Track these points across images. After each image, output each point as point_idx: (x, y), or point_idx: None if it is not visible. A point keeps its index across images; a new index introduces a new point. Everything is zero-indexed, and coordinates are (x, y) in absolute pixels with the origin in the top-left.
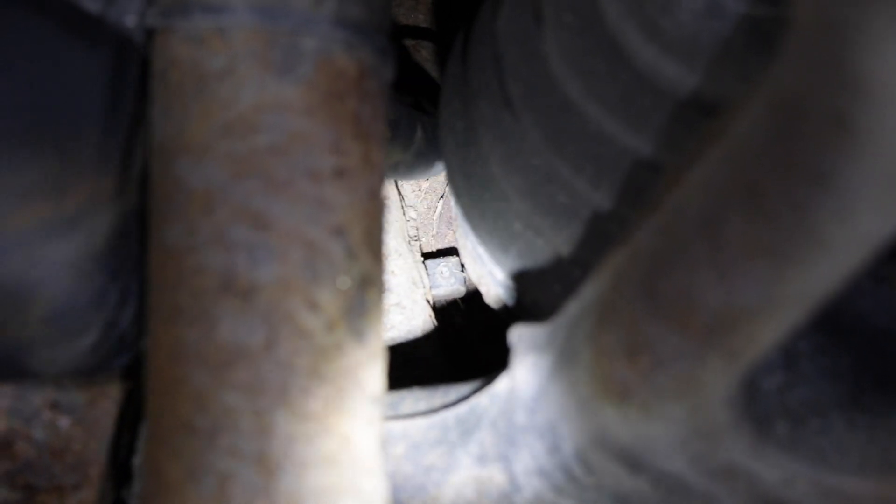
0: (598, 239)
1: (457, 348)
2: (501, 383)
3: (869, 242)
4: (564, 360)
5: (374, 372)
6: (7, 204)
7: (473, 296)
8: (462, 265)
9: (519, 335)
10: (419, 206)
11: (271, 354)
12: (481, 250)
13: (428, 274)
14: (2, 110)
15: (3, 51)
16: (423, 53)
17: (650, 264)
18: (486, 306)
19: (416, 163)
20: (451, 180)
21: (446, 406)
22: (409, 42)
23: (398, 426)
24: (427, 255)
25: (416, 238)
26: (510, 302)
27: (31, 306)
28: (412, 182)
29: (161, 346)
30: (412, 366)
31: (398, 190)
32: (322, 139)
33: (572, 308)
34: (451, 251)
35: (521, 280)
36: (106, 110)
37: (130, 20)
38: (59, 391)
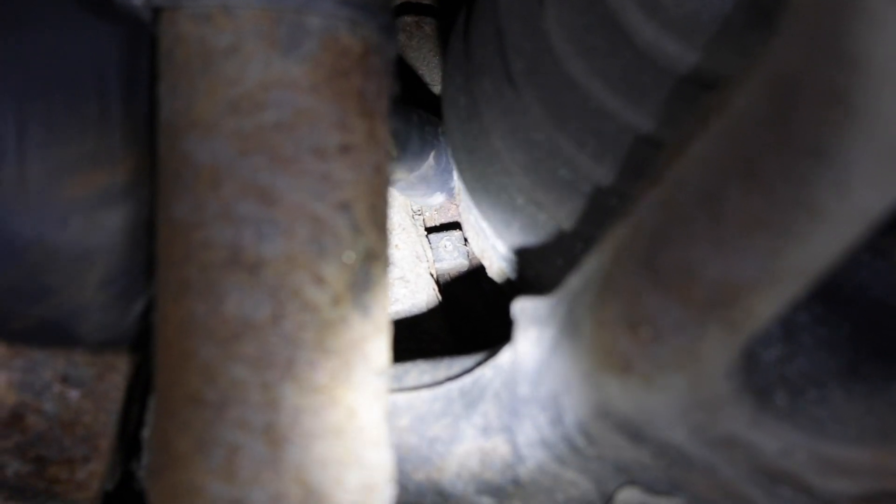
0: (599, 213)
1: (460, 321)
2: (504, 356)
3: (866, 216)
4: (566, 332)
5: (380, 345)
6: (65, 173)
7: (476, 269)
8: (465, 239)
9: (521, 308)
10: None
11: (278, 328)
12: (484, 224)
13: (431, 248)
14: (47, 86)
15: (37, 27)
16: (427, 30)
17: (651, 238)
18: (489, 279)
19: (418, 185)
20: (455, 155)
21: (450, 378)
22: (411, 18)
23: (403, 398)
24: (430, 230)
25: (419, 212)
26: (513, 275)
27: (90, 270)
28: None
29: (169, 320)
30: (416, 338)
31: None
32: (327, 116)
33: (574, 281)
34: (455, 225)
35: (523, 254)
36: (140, 86)
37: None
38: (68, 365)
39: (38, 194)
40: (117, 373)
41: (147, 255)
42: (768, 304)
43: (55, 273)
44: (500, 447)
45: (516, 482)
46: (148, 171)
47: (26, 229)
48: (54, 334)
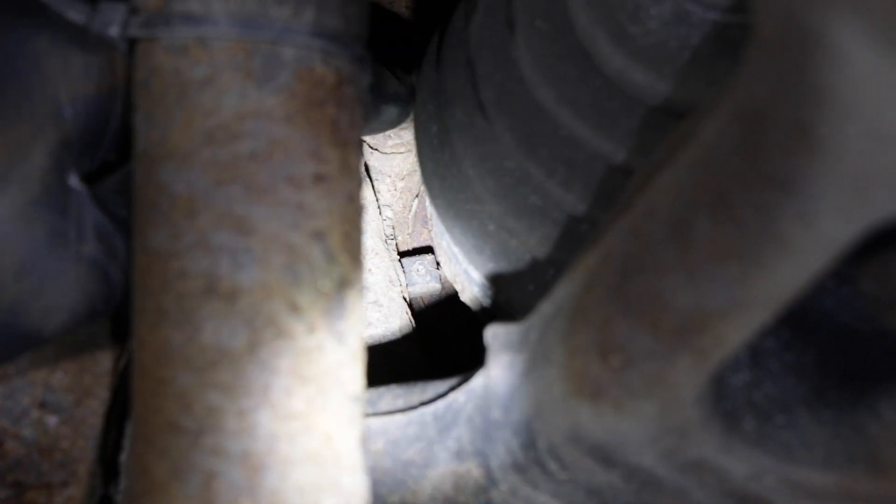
0: (570, 240)
1: (433, 345)
2: (477, 380)
3: (832, 246)
4: (538, 358)
5: (355, 371)
6: None
7: (449, 294)
8: (437, 263)
9: (494, 334)
10: (395, 205)
11: (254, 356)
12: (456, 250)
13: (404, 272)
14: None
15: None
16: None
17: (621, 266)
18: (462, 304)
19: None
20: (427, 182)
21: (424, 403)
22: None
23: (377, 423)
24: (403, 254)
25: (392, 237)
26: (485, 301)
27: None
28: (388, 182)
29: (147, 348)
30: (390, 362)
31: (374, 189)
32: (302, 146)
33: (546, 308)
34: (427, 249)
35: (495, 279)
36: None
37: (114, 31)
38: (46, 391)
39: None
40: (95, 398)
41: (49, 229)
42: (737, 331)
43: None
44: (473, 471)
45: None
46: (30, 144)
47: None
48: (12, 339)
